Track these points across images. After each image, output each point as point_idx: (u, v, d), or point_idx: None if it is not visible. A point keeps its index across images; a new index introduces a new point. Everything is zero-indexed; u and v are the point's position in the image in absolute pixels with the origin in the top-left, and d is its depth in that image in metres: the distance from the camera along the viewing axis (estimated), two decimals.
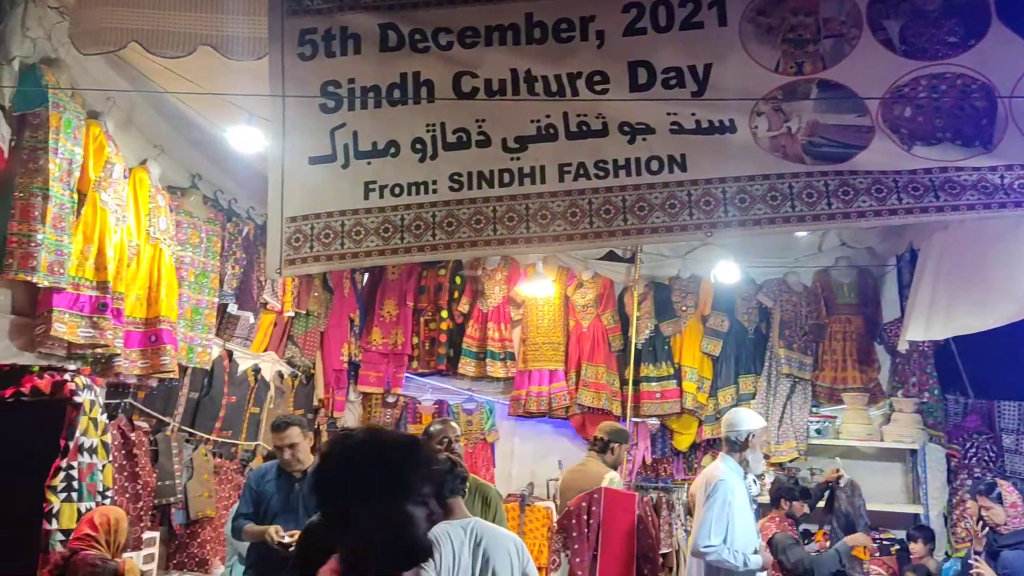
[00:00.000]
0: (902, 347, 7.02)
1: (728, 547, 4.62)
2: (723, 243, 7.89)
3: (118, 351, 4.98)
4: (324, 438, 7.92)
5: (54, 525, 3.96)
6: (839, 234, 7.96)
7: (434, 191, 4.20)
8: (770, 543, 5.19)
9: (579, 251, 8.49)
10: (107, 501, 4.25)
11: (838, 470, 5.87)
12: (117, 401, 5.35)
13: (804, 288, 8.27)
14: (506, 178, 4.17)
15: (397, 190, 4.22)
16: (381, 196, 4.22)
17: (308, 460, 4.88)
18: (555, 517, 7.07)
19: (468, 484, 4.03)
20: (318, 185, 4.27)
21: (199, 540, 6.09)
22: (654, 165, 4.10)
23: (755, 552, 4.73)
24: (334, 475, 2.01)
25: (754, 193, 4.05)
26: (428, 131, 4.24)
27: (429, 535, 3.31)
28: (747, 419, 4.97)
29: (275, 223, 4.27)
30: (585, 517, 5.11)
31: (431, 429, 5.00)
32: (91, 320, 4.80)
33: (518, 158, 4.18)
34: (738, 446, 4.87)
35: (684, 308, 8.40)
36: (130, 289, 5.18)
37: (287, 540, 4.51)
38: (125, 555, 4.17)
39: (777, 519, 5.55)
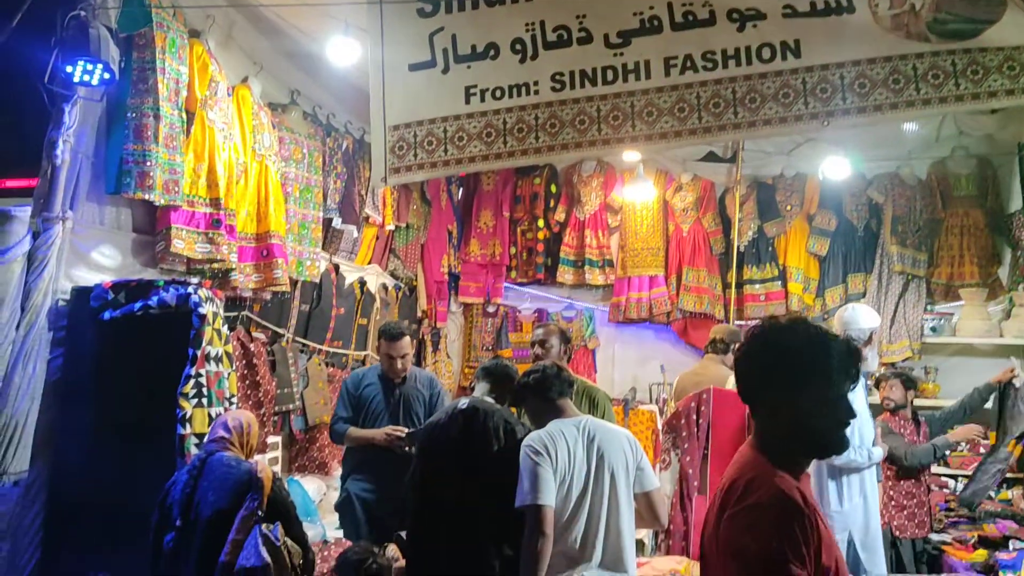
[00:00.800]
0: None
1: (854, 446, 4.59)
2: (831, 138, 7.56)
3: (233, 266, 5.15)
4: (429, 348, 8.11)
5: (188, 429, 4.18)
6: (956, 121, 7.52)
7: (536, 92, 4.13)
8: None
9: (677, 154, 8.27)
10: (234, 407, 4.45)
11: (1013, 369, 5.58)
12: (235, 314, 5.57)
13: (918, 181, 7.91)
14: (609, 75, 4.06)
15: (498, 93, 4.17)
16: (482, 100, 4.19)
17: (409, 369, 4.99)
18: (659, 421, 7.12)
19: (576, 386, 4.08)
20: (419, 92, 4.26)
21: (318, 444, 6.36)
22: (766, 53, 3.93)
23: (874, 444, 4.69)
24: (764, 363, 2.08)
25: (874, 77, 3.84)
26: (527, 31, 4.15)
27: (543, 434, 3.40)
28: (866, 316, 4.85)
29: (378, 132, 4.30)
30: (695, 417, 5.11)
31: (533, 335, 5.02)
32: (207, 236, 4.97)
33: (621, 54, 4.06)
34: (858, 344, 4.75)
35: (789, 207, 8.18)
36: (240, 205, 5.31)
37: (403, 432, 4.64)
38: (255, 457, 4.37)
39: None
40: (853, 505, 4.61)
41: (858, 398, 4.67)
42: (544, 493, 3.30)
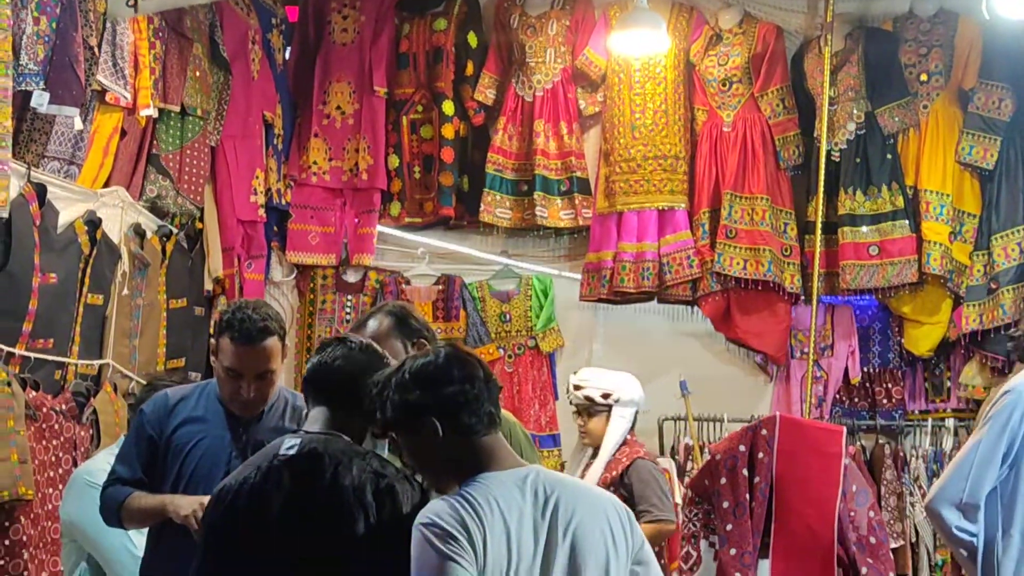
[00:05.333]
0: None
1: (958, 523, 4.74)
2: None
3: None
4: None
5: None
6: None
7: None
8: None
9: None
10: None
11: None
12: None
13: None
14: None
15: None
16: None
17: (272, 395, 4.96)
18: (680, 488, 7.16)
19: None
20: None
21: (8, 542, 6.16)
22: None
23: None
24: None
25: None
26: None
27: (457, 502, 3.41)
28: None
29: None
30: (745, 473, 5.26)
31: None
32: None
33: None
34: None
35: (925, 77, 8.35)
36: None
37: None
38: None
39: None
40: None
41: None
42: None
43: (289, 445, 3.78)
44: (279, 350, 4.86)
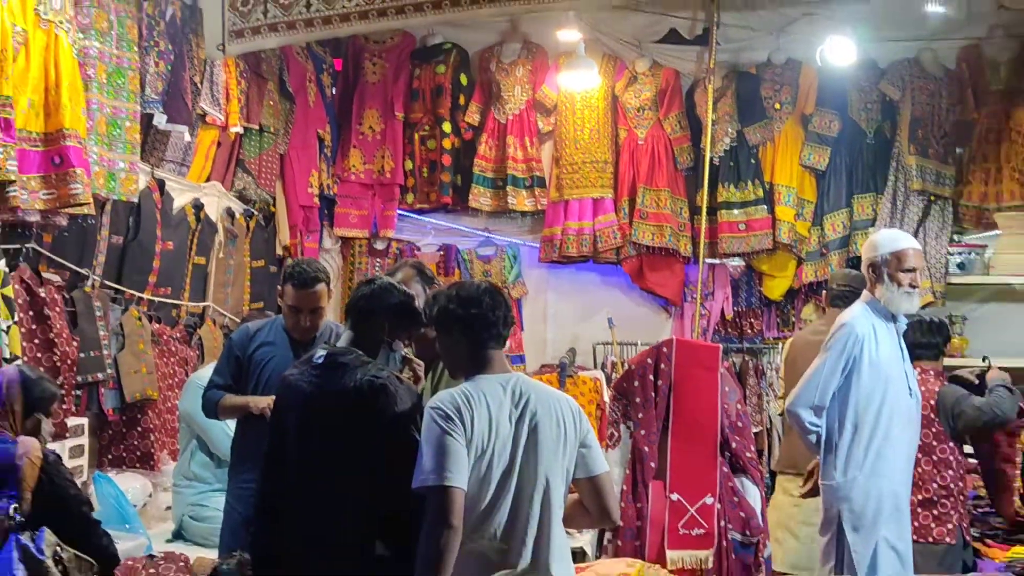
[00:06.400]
0: None
1: (811, 419, 4.84)
2: (834, 13, 7.79)
3: (11, 176, 4.87)
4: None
5: None
6: None
7: None
8: (939, 402, 5.27)
9: (628, 30, 8.50)
10: None
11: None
12: (17, 246, 5.35)
13: (945, 72, 8.16)
14: None
15: None
16: None
17: (321, 326, 5.03)
18: (606, 391, 7.25)
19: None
20: None
21: (139, 429, 6.30)
22: None
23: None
24: None
25: None
26: None
27: (457, 393, 3.48)
28: (899, 238, 5.01)
29: None
30: (651, 378, 5.30)
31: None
32: None
33: None
34: (884, 276, 4.84)
35: (778, 106, 8.38)
36: (20, 92, 5.01)
37: None
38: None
39: (931, 373, 5.43)
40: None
41: (885, 354, 4.88)
42: (454, 472, 3.32)
43: (319, 355, 3.85)
44: (326, 293, 4.97)
